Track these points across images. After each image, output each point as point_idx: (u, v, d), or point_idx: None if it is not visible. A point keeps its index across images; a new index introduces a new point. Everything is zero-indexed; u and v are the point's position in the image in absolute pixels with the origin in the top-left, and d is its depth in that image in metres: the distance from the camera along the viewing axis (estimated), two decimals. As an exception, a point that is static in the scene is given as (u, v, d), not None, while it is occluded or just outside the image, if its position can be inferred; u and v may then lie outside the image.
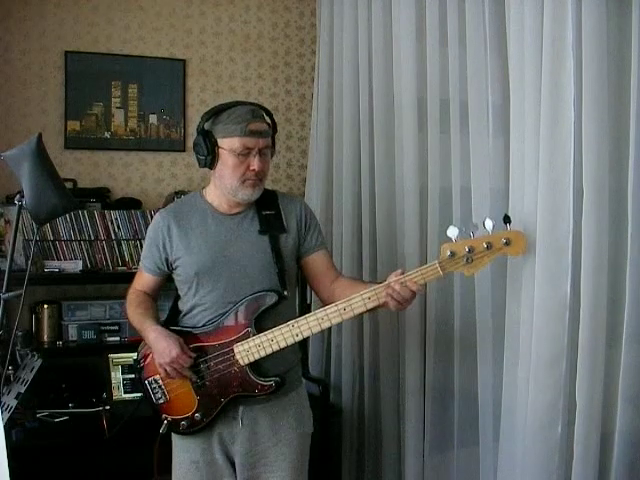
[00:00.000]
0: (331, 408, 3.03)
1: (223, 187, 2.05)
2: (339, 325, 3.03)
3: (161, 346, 1.99)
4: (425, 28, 2.52)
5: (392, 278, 1.93)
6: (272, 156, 2.11)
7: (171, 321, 2.14)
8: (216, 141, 2.00)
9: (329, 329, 3.17)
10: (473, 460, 2.33)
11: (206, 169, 2.08)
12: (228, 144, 1.99)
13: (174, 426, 2.08)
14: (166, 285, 2.24)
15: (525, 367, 2.01)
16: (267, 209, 2.10)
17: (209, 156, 2.01)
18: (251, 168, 1.99)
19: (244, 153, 1.98)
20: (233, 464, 2.10)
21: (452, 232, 1.89)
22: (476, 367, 2.31)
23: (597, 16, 1.81)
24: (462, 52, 2.33)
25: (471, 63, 2.29)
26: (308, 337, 2.05)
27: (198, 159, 2.05)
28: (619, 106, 1.87)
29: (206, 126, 2.02)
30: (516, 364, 2.06)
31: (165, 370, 2.01)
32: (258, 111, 2.04)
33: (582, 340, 1.86)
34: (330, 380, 3.15)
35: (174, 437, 2.15)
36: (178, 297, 2.17)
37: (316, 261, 2.15)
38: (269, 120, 2.08)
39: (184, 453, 2.11)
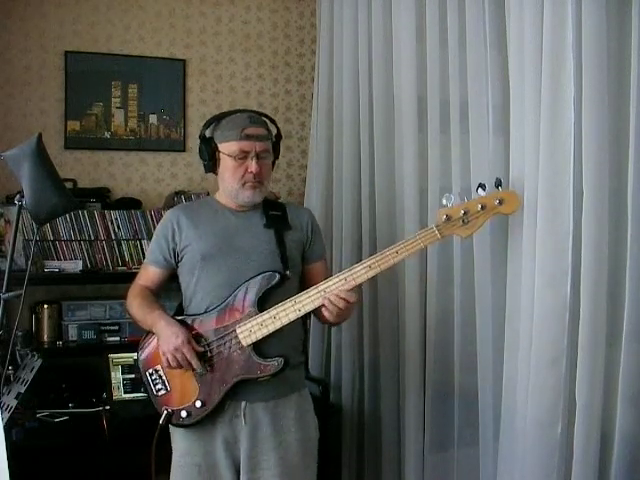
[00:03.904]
0: (331, 408, 3.03)
1: (226, 190, 2.15)
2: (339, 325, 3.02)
3: (168, 332, 2.02)
4: (425, 28, 2.52)
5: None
6: (274, 161, 2.19)
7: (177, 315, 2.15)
8: (216, 146, 2.11)
9: (329, 329, 3.18)
10: (473, 460, 2.33)
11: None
12: (226, 148, 2.09)
13: (174, 417, 2.07)
14: (167, 286, 2.25)
15: (525, 367, 2.01)
16: (274, 211, 2.19)
17: (210, 161, 2.12)
18: (249, 170, 2.08)
19: (241, 157, 2.08)
20: (237, 470, 2.08)
21: (447, 199, 1.96)
22: (476, 367, 2.31)
23: (597, 16, 1.81)
24: (462, 52, 2.33)
25: (471, 63, 2.29)
26: (308, 335, 2.04)
27: (203, 165, 2.16)
28: (619, 106, 1.87)
29: (207, 133, 2.14)
30: (516, 364, 2.06)
31: (167, 359, 2.01)
32: (256, 117, 2.14)
33: (582, 340, 1.86)
34: (330, 380, 3.15)
35: (175, 439, 2.13)
36: (182, 301, 2.19)
37: (313, 271, 2.22)
38: (273, 127, 2.19)
39: (185, 456, 2.10)
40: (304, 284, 2.19)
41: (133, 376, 2.69)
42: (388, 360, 2.83)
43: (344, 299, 1.97)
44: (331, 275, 2.18)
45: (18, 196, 2.05)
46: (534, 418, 1.96)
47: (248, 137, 2.06)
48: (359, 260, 2.96)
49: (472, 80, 2.29)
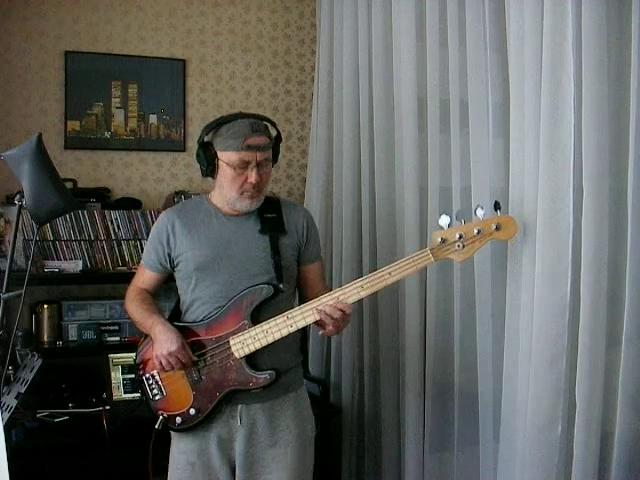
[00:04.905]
0: (331, 408, 3.03)
1: (223, 197, 2.11)
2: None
3: (164, 338, 2.02)
4: (425, 28, 2.52)
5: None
6: (275, 163, 2.15)
7: (172, 320, 2.15)
8: (216, 153, 2.06)
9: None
10: (473, 460, 2.32)
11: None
12: (226, 157, 2.04)
13: (169, 423, 2.09)
14: (166, 286, 2.26)
15: (525, 367, 2.01)
16: (269, 212, 2.15)
17: (209, 167, 2.07)
18: (249, 181, 2.04)
19: (242, 166, 2.03)
20: (233, 468, 2.10)
21: (443, 221, 1.94)
22: (476, 367, 2.31)
23: (597, 16, 1.80)
24: (462, 52, 2.33)
25: (471, 63, 2.29)
26: (307, 336, 2.05)
27: (200, 169, 2.11)
28: (619, 106, 1.87)
29: (206, 138, 2.08)
30: (516, 364, 2.06)
31: (160, 363, 2.03)
32: (258, 124, 2.07)
33: (582, 340, 1.86)
34: (330, 380, 3.15)
35: (173, 438, 2.15)
36: (179, 299, 2.19)
37: (308, 272, 2.21)
38: (273, 131, 2.13)
39: (181, 454, 2.11)
40: (300, 285, 2.22)
41: (133, 376, 2.68)
42: (388, 360, 2.83)
43: (341, 310, 1.96)
44: (325, 276, 2.20)
45: (18, 196, 2.05)
46: (534, 418, 1.96)
47: (249, 147, 2.01)
48: (359, 260, 3.01)
49: (472, 80, 2.29)
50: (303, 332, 2.26)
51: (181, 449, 2.11)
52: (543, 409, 1.94)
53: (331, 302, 1.98)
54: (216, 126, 2.07)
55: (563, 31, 1.85)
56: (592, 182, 1.84)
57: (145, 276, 2.21)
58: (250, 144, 2.01)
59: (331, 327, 1.99)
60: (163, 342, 2.01)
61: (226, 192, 2.08)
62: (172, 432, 2.14)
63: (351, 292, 1.98)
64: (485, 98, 2.23)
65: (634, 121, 1.80)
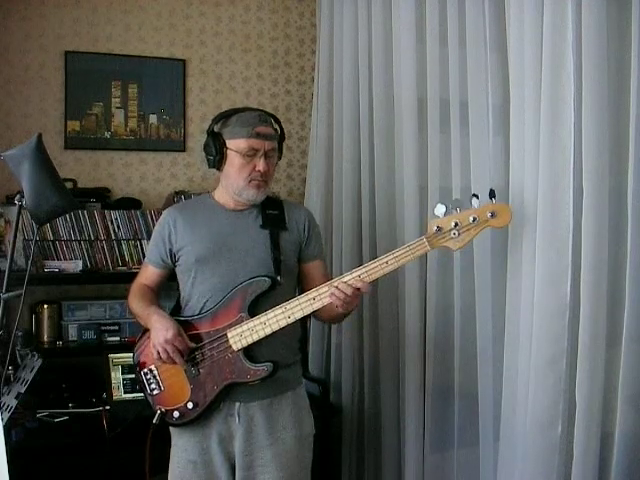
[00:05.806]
0: (331, 408, 3.03)
1: (230, 187, 2.14)
2: (339, 324, 3.03)
3: (159, 326, 2.03)
4: (425, 28, 2.52)
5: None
6: (278, 160, 2.19)
7: (172, 315, 2.16)
8: (224, 142, 2.10)
9: (329, 329, 3.18)
10: (473, 460, 2.33)
11: (210, 170, 2.17)
12: (235, 145, 2.08)
13: (167, 417, 2.10)
14: (166, 285, 2.27)
15: (525, 367, 2.01)
16: (271, 209, 2.18)
17: (217, 156, 2.11)
18: (257, 169, 2.08)
19: (250, 154, 2.08)
20: (233, 467, 2.10)
21: (439, 209, 1.95)
22: (476, 367, 2.31)
23: (597, 16, 1.81)
24: (462, 52, 2.33)
25: (471, 63, 2.29)
26: (307, 336, 2.05)
27: (207, 159, 2.15)
28: (619, 106, 1.87)
29: (215, 128, 2.13)
30: (516, 364, 2.06)
31: (158, 352, 2.03)
32: (266, 116, 2.15)
33: (582, 340, 1.86)
34: (330, 380, 3.15)
35: (173, 436, 2.16)
36: (180, 296, 2.20)
37: (312, 269, 2.22)
38: (277, 126, 2.19)
39: (182, 452, 2.12)
40: (301, 283, 2.22)
41: (133, 376, 2.68)
42: (388, 360, 2.83)
43: (353, 287, 1.95)
44: (329, 276, 2.19)
45: (18, 196, 2.05)
46: (534, 418, 1.96)
47: (258, 135, 2.07)
48: (359, 260, 3.01)
49: (472, 80, 2.29)
50: (303, 332, 2.26)
51: (182, 447, 2.12)
52: (543, 409, 1.94)
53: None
54: (225, 116, 2.13)
55: (563, 31, 1.86)
56: (592, 182, 1.84)
57: (148, 272, 2.24)
58: (259, 132, 2.07)
59: (341, 303, 1.97)
60: (159, 330, 2.02)
61: (233, 181, 2.11)
62: (172, 430, 2.15)
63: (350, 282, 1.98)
64: (485, 98, 2.23)
65: (634, 121, 1.80)
